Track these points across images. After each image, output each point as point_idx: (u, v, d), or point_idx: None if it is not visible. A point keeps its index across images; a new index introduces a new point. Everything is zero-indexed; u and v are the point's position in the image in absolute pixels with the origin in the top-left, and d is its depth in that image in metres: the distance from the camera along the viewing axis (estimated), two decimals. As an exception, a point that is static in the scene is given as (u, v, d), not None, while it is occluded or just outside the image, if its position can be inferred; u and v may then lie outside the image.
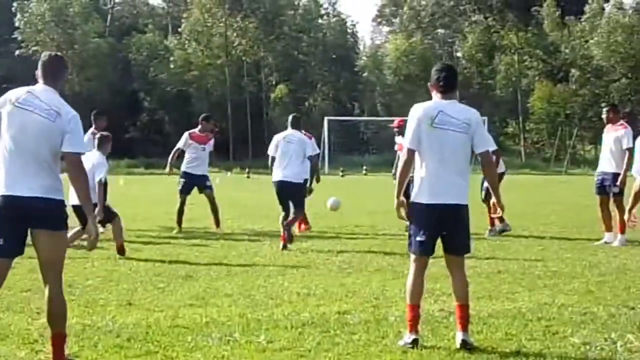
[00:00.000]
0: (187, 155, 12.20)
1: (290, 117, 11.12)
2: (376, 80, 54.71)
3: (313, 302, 6.49)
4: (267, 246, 10.23)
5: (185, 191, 12.10)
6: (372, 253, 9.56)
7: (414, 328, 5.13)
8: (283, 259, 9.08)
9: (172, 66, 49.01)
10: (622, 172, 10.12)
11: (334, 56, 54.36)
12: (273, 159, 10.54)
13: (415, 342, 5.06)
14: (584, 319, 5.89)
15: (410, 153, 5.12)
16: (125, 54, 50.91)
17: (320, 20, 55.59)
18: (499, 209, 5.49)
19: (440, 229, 5.14)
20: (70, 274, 7.64)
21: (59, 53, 4.91)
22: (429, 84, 5.33)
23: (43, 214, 4.39)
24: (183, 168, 12.20)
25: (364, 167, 40.04)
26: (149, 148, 45.01)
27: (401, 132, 10.31)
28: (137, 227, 12.47)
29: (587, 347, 5.12)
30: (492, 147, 5.17)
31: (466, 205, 5.21)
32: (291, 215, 10.45)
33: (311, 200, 11.53)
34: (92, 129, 11.29)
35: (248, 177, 34.77)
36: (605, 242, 10.34)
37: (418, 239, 5.16)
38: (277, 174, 10.47)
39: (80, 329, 5.45)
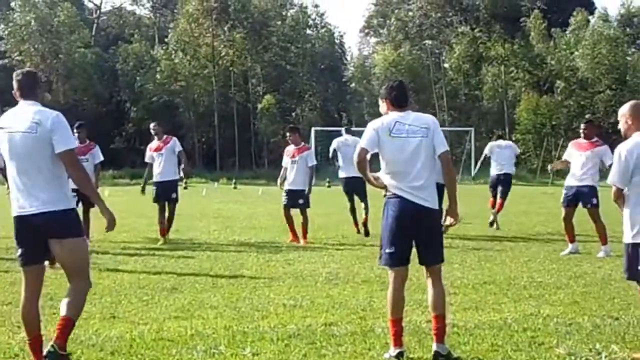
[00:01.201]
0: (154, 167, 12.27)
1: (343, 128, 14.24)
2: (364, 91, 54.82)
3: (299, 314, 6.47)
4: (253, 257, 10.19)
5: (157, 199, 12.14)
6: (359, 264, 9.54)
7: (398, 342, 5.11)
8: (269, 271, 9.04)
9: (158, 76, 48.86)
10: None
11: (321, 67, 54.42)
12: (333, 158, 13.39)
13: (400, 355, 5.05)
14: (569, 329, 5.91)
15: (363, 152, 5.23)
16: (112, 64, 50.75)
17: (308, 31, 55.62)
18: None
19: (412, 236, 5.14)
20: (52, 287, 7.57)
21: (30, 69, 5.10)
22: (381, 99, 5.42)
23: (53, 225, 4.61)
24: (153, 179, 12.32)
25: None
26: (134, 158, 44.77)
27: None
28: (122, 238, 12.39)
29: (573, 357, 5.13)
30: (447, 148, 5.30)
31: (437, 210, 5.24)
32: (363, 212, 12.69)
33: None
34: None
35: (235, 187, 34.67)
36: (571, 252, 10.54)
37: (387, 250, 5.17)
38: (342, 173, 13.08)
39: (63, 342, 5.39)
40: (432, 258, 5.23)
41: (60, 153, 4.62)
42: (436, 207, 5.22)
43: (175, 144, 12.29)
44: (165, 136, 12.40)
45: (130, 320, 6.21)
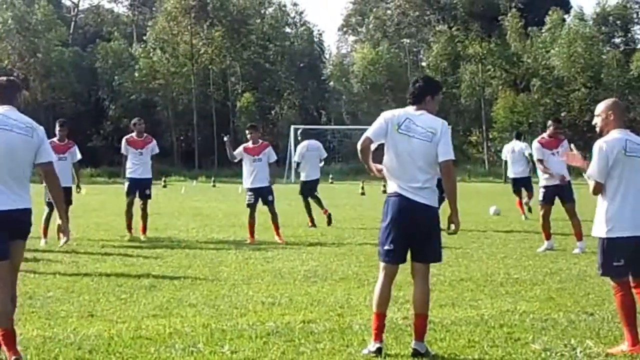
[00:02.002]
0: (128, 162, 12.26)
1: (299, 131, 15.59)
2: (343, 89, 54.92)
3: (278, 312, 6.49)
4: (232, 255, 10.18)
5: (128, 193, 12.20)
6: (337, 262, 9.58)
7: (378, 337, 5.13)
8: (248, 268, 9.05)
9: (137, 74, 48.55)
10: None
11: (301, 65, 54.41)
12: (298, 164, 14.79)
13: (379, 351, 5.08)
14: (544, 325, 5.99)
15: (367, 140, 5.22)
16: (90, 62, 50.35)
17: (287, 29, 55.60)
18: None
19: (411, 234, 5.13)
20: (31, 286, 7.54)
21: (10, 77, 5.24)
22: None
23: (23, 225, 4.84)
24: (127, 174, 12.32)
25: (330, 176, 40.07)
26: (112, 157, 44.40)
27: None
28: (100, 237, 12.34)
29: (548, 353, 5.20)
30: (452, 157, 5.26)
31: (436, 208, 5.25)
32: (317, 205, 14.35)
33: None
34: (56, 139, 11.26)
35: (214, 185, 34.57)
36: (547, 249, 10.67)
37: (386, 247, 5.18)
38: (302, 176, 14.72)
39: (41, 342, 5.37)
40: (432, 256, 5.24)
41: (43, 163, 4.91)
42: (436, 205, 5.23)
43: (154, 146, 12.41)
44: (145, 135, 12.40)
45: (109, 319, 6.19)
